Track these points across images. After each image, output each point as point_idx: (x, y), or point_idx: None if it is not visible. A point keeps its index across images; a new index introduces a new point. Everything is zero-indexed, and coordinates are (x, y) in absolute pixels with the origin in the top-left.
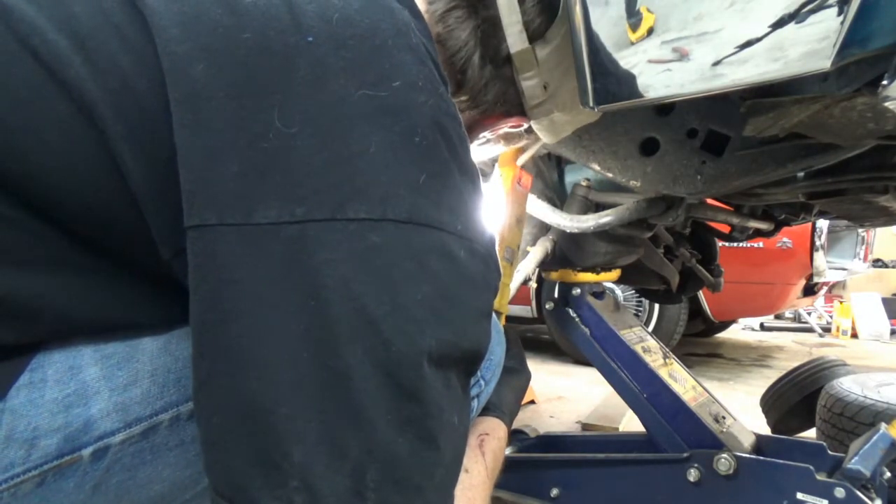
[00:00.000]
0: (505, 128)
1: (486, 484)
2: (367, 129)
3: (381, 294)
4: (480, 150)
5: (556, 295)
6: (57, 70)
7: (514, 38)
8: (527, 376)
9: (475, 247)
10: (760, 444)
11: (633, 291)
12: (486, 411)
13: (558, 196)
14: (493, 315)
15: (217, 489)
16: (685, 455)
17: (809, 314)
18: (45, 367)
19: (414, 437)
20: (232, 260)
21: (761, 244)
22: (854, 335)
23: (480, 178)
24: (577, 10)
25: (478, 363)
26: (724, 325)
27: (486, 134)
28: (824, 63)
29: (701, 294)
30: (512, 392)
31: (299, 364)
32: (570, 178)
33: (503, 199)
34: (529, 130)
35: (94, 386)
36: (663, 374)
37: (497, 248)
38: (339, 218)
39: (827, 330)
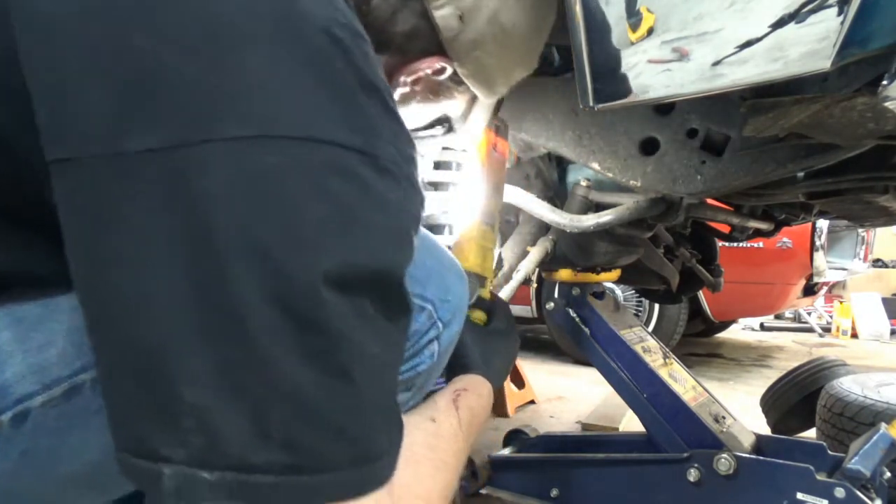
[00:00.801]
0: (425, 71)
1: (457, 436)
2: (246, 40)
3: (271, 217)
4: (417, 109)
5: (556, 295)
6: None
7: None
8: (515, 339)
9: (383, 164)
10: (760, 444)
11: (633, 291)
12: (468, 370)
13: (558, 196)
14: (447, 251)
15: (119, 445)
16: (685, 455)
17: (809, 314)
18: None
19: (320, 371)
20: (102, 195)
21: (761, 244)
22: (854, 335)
23: (391, 95)
24: (577, 9)
25: (397, 289)
26: (724, 325)
27: (407, 80)
28: (824, 63)
29: (701, 294)
30: (498, 355)
31: (186, 301)
32: (571, 178)
33: (479, 167)
34: (459, 82)
35: (7, 349)
36: (663, 374)
37: (479, 213)
38: (216, 139)
39: (827, 330)
